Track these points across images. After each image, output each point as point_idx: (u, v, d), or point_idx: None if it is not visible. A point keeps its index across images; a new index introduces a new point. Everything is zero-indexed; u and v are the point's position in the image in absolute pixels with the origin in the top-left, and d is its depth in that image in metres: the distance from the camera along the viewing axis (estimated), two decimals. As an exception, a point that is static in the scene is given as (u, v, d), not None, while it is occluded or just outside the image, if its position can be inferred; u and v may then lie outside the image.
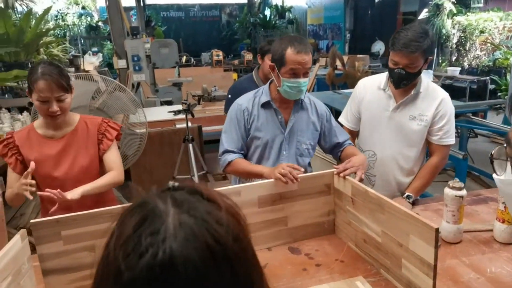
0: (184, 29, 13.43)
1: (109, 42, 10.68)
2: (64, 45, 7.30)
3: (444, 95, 1.88)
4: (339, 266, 1.41)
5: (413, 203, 1.87)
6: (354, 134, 2.04)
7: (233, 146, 1.78)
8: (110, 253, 0.45)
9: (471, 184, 4.12)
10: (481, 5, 8.63)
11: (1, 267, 1.02)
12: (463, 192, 1.49)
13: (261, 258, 1.56)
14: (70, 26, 11.62)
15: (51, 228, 1.19)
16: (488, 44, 8.35)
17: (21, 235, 1.11)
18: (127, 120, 2.61)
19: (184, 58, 6.79)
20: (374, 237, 1.37)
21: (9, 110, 3.39)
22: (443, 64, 8.95)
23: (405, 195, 1.87)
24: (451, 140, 1.89)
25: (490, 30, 8.33)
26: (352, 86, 2.11)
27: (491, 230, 1.56)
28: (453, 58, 8.98)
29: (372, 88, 1.95)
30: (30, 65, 5.22)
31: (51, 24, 10.54)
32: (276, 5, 13.28)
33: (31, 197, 1.41)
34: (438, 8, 8.68)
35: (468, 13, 8.61)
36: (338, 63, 6.49)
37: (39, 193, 1.48)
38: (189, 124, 3.21)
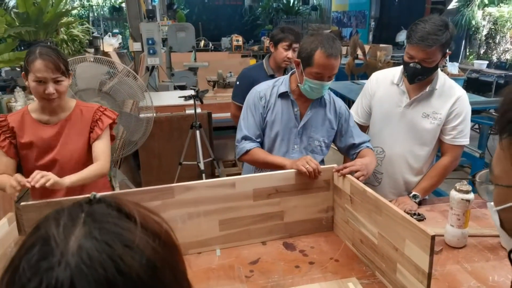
0: (206, 13, 13.35)
1: (129, 24, 10.72)
2: (85, 26, 7.35)
3: (461, 93, 1.78)
4: (333, 265, 1.36)
5: (420, 203, 1.80)
6: (364, 129, 1.96)
7: (251, 133, 1.74)
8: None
9: (488, 183, 3.97)
10: (515, -5, 8.21)
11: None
12: (470, 196, 1.41)
13: (254, 253, 1.54)
14: (94, 7, 11.71)
15: (41, 211, 1.18)
16: (520, 38, 7.96)
17: (8, 218, 1.11)
18: (137, 105, 2.60)
19: (202, 43, 6.75)
20: (370, 238, 1.32)
21: (24, 88, 3.44)
22: (471, 57, 8.60)
23: (411, 195, 1.80)
24: (465, 140, 1.80)
25: (523, 22, 7.93)
26: (372, 77, 2.02)
27: (499, 236, 1.48)
28: (481, 51, 8.61)
29: (385, 82, 1.86)
30: (49, 45, 5.31)
31: (76, 4, 10.66)
32: (300, -10, 13.02)
33: (15, 198, 1.40)
34: (469, -3, 8.32)
35: (501, 4, 8.20)
36: (359, 52, 6.32)
37: (28, 183, 1.32)
38: (199, 110, 3.18)
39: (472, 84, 7.00)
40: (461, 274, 1.30)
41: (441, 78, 1.78)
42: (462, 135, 1.79)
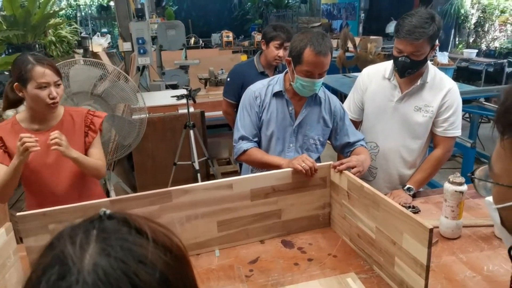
0: (195, 9, 13.25)
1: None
2: (73, 26, 7.26)
3: (452, 84, 1.80)
4: (331, 261, 1.38)
5: (414, 196, 1.82)
6: (357, 125, 1.98)
7: (248, 132, 1.74)
8: None
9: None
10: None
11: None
12: (464, 188, 1.43)
13: (253, 252, 1.55)
14: (81, 6, 11.56)
15: (38, 221, 1.18)
16: (508, 25, 8.02)
17: (6, 229, 1.11)
18: (129, 107, 2.58)
19: (192, 40, 6.71)
20: (368, 233, 1.33)
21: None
22: (460, 46, 8.66)
23: (405, 187, 1.82)
24: (457, 132, 1.82)
25: (511, 10, 7.99)
26: (363, 69, 2.03)
27: (492, 226, 1.51)
28: (471, 40, 8.67)
29: (377, 77, 1.87)
30: (37, 47, 5.23)
31: (63, 4, 10.51)
32: (289, -17, 12.95)
33: (38, 148, 1.43)
34: (458, -14, 8.35)
35: (489, -8, 8.26)
36: (349, 44, 6.32)
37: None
38: (192, 109, 3.18)
39: (462, 73, 7.04)
40: (457, 264, 1.33)
41: (432, 71, 1.79)
42: (453, 126, 1.81)
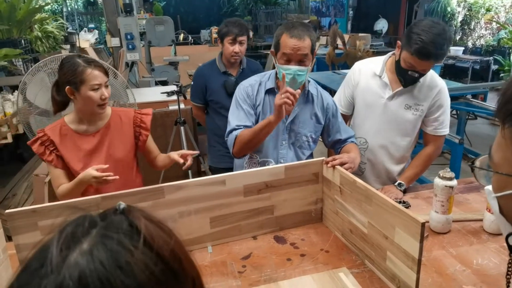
0: (183, 5, 13.13)
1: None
2: (59, 22, 7.14)
3: (442, 84, 1.82)
4: (324, 256, 1.39)
5: (405, 191, 1.84)
6: (346, 119, 1.99)
7: (241, 123, 1.68)
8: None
9: (467, 168, 4.07)
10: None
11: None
12: (453, 183, 1.45)
13: (245, 248, 1.55)
14: (67, 1, 11.37)
15: (27, 219, 1.16)
16: (494, 23, 8.15)
17: (-5, 226, 1.09)
18: (118, 104, 2.55)
19: (181, 36, 6.65)
20: (360, 228, 1.34)
21: (1, 89, 3.33)
22: (447, 43, 8.76)
23: (397, 183, 1.84)
24: (446, 130, 1.87)
25: (496, 8, 8.12)
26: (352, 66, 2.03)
27: (481, 220, 1.53)
28: (457, 37, 8.79)
29: (368, 73, 1.88)
30: (23, 43, 5.13)
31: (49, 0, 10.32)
32: (278, -20, 12.93)
33: (111, 180, 1.44)
34: (444, -15, 8.44)
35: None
36: (338, 42, 6.36)
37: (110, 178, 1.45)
38: (183, 106, 3.15)
39: (449, 70, 7.15)
40: (447, 258, 1.35)
41: None
42: (443, 125, 1.84)
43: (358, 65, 1.95)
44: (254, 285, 1.23)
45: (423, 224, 1.06)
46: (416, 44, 1.58)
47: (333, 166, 1.47)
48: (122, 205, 0.42)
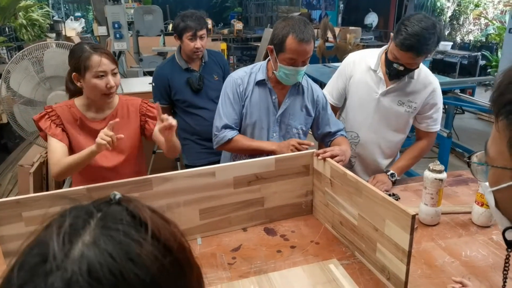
0: (173, -5, 12.95)
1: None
2: (45, 10, 6.97)
3: (436, 82, 1.81)
4: (314, 248, 1.38)
5: (394, 183, 1.85)
6: (336, 110, 1.98)
7: (231, 121, 1.71)
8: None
9: (454, 161, 4.13)
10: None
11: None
12: (443, 175, 1.46)
13: (235, 240, 1.53)
14: (53, -11, 11.11)
15: (11, 209, 1.13)
16: (482, 19, 8.23)
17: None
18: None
19: (170, 26, 6.56)
20: (350, 220, 1.34)
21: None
22: (436, 38, 8.83)
23: (389, 173, 1.84)
24: (438, 126, 1.89)
25: (485, 4, 8.20)
26: (342, 59, 2.00)
27: (470, 213, 1.54)
28: (446, 32, 8.86)
29: (362, 66, 1.85)
30: (7, 30, 5.01)
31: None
32: (268, -28, 12.82)
33: (110, 148, 1.37)
34: (434, -21, 8.49)
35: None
36: (329, 35, 6.34)
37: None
38: (172, 97, 3.10)
39: (437, 65, 7.21)
40: (436, 250, 1.36)
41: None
42: (436, 122, 1.86)
43: (352, 57, 1.92)
44: (244, 276, 1.22)
45: (413, 217, 1.06)
46: (401, 35, 1.58)
47: (324, 159, 1.46)
48: (118, 195, 0.41)
